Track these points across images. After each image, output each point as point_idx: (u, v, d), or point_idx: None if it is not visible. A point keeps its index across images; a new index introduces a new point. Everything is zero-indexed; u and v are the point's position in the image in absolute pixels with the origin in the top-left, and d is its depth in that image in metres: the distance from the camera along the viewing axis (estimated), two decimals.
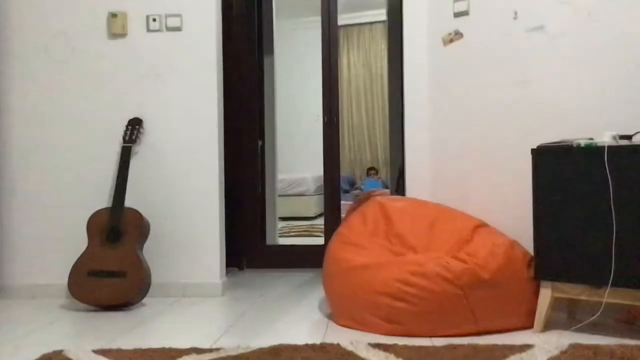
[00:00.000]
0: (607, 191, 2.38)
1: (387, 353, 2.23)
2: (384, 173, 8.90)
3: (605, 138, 2.46)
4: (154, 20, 3.52)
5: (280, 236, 5.51)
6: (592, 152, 2.44)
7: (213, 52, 3.52)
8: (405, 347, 2.32)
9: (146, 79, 3.54)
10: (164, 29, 3.53)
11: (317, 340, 2.48)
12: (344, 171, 8.95)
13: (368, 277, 2.69)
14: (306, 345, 2.34)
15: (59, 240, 3.55)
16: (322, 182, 4.62)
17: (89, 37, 3.56)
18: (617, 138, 2.44)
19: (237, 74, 4.40)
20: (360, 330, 2.65)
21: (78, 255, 3.26)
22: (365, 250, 2.85)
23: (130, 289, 3.14)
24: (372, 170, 9.02)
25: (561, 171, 2.50)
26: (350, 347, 2.29)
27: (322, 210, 4.62)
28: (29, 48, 3.59)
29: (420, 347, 2.31)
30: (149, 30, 3.53)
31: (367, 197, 3.28)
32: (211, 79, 3.52)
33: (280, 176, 5.38)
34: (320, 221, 5.68)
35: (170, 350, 2.34)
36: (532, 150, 2.59)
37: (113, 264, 3.18)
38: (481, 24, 3.15)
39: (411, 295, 2.55)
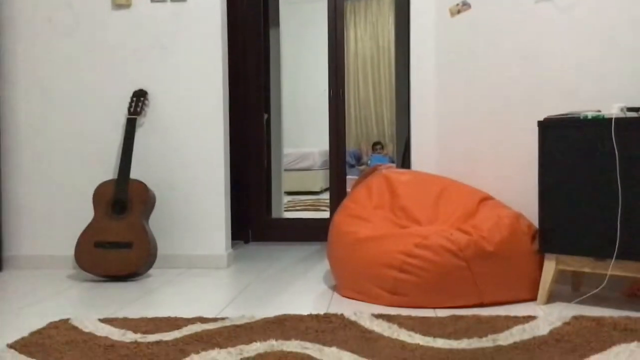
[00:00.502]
0: (613, 163, 2.37)
1: (391, 323, 2.24)
2: (391, 147, 8.88)
3: (613, 110, 2.43)
4: None
5: (286, 210, 5.53)
6: (599, 124, 2.41)
7: (218, 23, 3.50)
8: (409, 317, 2.33)
9: (151, 50, 3.52)
10: None
11: (321, 310, 2.49)
12: (350, 145, 8.94)
13: (372, 249, 2.70)
14: (310, 315, 2.36)
15: (64, 212, 3.57)
16: (328, 157, 4.61)
17: (93, 8, 3.54)
18: (625, 110, 2.41)
19: (243, 46, 4.38)
20: (364, 301, 2.67)
21: (84, 227, 3.28)
22: (370, 223, 2.85)
23: (137, 259, 3.16)
24: (378, 145, 9.00)
25: (568, 143, 2.48)
26: (353, 318, 2.30)
27: (328, 185, 4.62)
28: (33, 19, 3.57)
29: (423, 318, 2.32)
30: (153, 0, 3.50)
31: (373, 170, 3.27)
32: (216, 50, 3.50)
33: (286, 150, 5.38)
34: (326, 196, 5.69)
35: (175, 319, 2.36)
36: (539, 122, 2.57)
37: (119, 235, 3.20)
38: None
39: (415, 267, 2.56)
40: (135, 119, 3.44)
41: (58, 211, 3.58)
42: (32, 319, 2.45)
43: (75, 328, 2.23)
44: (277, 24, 4.88)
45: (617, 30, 2.73)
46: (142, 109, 3.47)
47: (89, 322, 2.30)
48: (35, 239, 3.59)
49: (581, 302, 2.58)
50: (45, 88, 3.58)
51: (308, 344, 2.01)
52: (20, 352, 1.98)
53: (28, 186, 3.59)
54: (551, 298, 2.62)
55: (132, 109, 3.45)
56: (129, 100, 3.50)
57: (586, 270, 2.50)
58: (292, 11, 6.68)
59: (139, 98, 3.47)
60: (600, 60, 2.77)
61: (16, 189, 3.60)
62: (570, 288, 2.82)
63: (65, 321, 2.32)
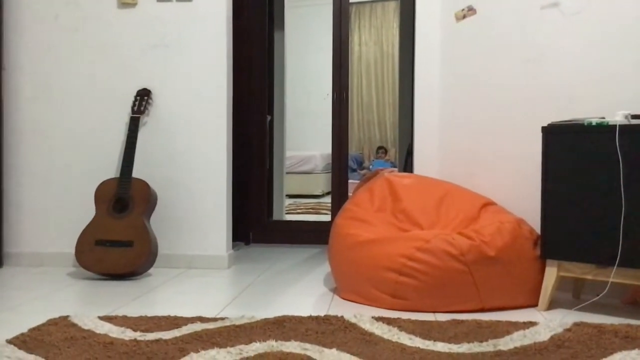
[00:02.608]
0: (617, 170, 2.36)
1: (391, 326, 2.24)
2: (393, 152, 8.88)
3: (617, 117, 2.43)
4: None
5: (287, 213, 5.52)
6: (603, 130, 2.41)
7: (223, 23, 3.50)
8: (409, 320, 2.32)
9: (155, 49, 3.52)
10: None
11: (321, 312, 2.49)
12: (353, 149, 8.93)
13: (373, 252, 2.69)
14: (310, 317, 2.35)
15: (66, 209, 3.56)
16: (330, 161, 4.61)
17: (99, 6, 3.55)
18: (630, 117, 2.41)
19: (247, 48, 4.38)
20: (365, 304, 2.66)
21: (85, 225, 3.27)
22: (372, 226, 2.85)
23: (137, 258, 3.16)
24: (381, 150, 9.00)
25: (571, 150, 2.48)
26: (353, 320, 2.30)
27: (330, 189, 4.61)
28: (39, 16, 3.58)
29: (423, 322, 2.31)
30: (159, 0, 3.51)
31: (375, 173, 3.27)
32: (221, 50, 3.50)
33: (288, 153, 5.37)
34: (328, 199, 5.68)
35: (175, 318, 2.35)
36: (543, 128, 2.57)
37: (120, 234, 3.19)
38: None
39: (416, 270, 2.56)
40: (138, 117, 3.44)
41: (59, 208, 3.57)
42: (31, 316, 2.44)
43: (74, 325, 2.23)
44: (282, 27, 4.89)
45: (621, 37, 2.73)
46: (145, 108, 3.47)
47: (89, 320, 2.29)
48: (36, 236, 3.59)
49: (582, 309, 2.57)
50: (49, 85, 3.58)
51: (308, 345, 2.01)
52: (19, 347, 1.98)
53: (30, 183, 3.59)
54: (552, 304, 2.61)
55: (135, 108, 3.45)
56: (132, 99, 3.51)
57: (588, 277, 2.49)
58: (297, 14, 6.69)
59: (143, 97, 3.48)
60: (604, 66, 2.77)
61: (18, 186, 3.60)
62: (571, 295, 2.81)
63: (65, 318, 2.32)
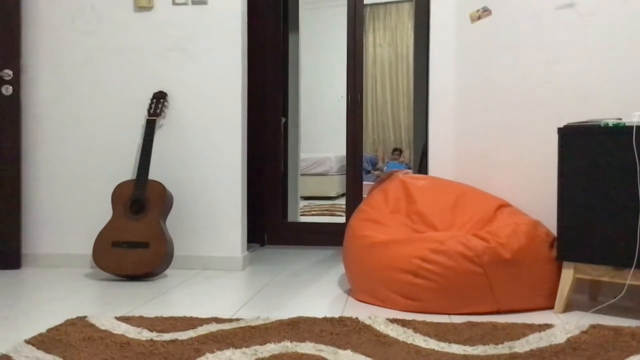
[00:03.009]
0: (634, 172, 2.34)
1: (405, 328, 2.24)
2: (408, 154, 8.86)
3: (634, 118, 2.41)
4: None
5: (301, 215, 5.53)
6: (619, 132, 2.39)
7: (238, 26, 3.52)
8: (424, 322, 2.32)
9: (171, 52, 3.55)
10: (190, 2, 3.53)
11: (335, 314, 2.49)
12: (367, 151, 8.93)
13: (388, 253, 2.69)
14: (325, 318, 2.36)
15: (83, 211, 3.60)
16: (344, 163, 4.61)
17: (115, 9, 3.58)
18: None
19: (262, 50, 4.40)
20: (379, 306, 2.66)
21: (102, 226, 3.30)
22: (386, 228, 2.85)
23: (153, 259, 3.18)
24: (396, 152, 8.98)
25: (588, 151, 2.47)
26: (368, 322, 2.30)
27: (344, 191, 4.61)
28: (56, 20, 3.62)
29: (438, 324, 2.31)
30: (174, 3, 3.54)
31: (389, 175, 3.27)
32: (236, 53, 3.52)
33: (303, 155, 5.38)
34: (342, 201, 5.68)
35: (191, 318, 2.37)
36: (559, 129, 2.55)
37: (136, 235, 3.22)
38: (510, 0, 3.10)
39: (431, 272, 2.55)
40: (154, 120, 3.47)
41: (76, 210, 3.61)
42: (49, 316, 2.47)
43: (92, 325, 2.25)
44: (297, 29, 4.90)
45: (637, 37, 2.70)
46: (161, 110, 3.50)
47: (106, 320, 2.32)
48: (53, 238, 3.63)
49: (599, 311, 2.55)
50: (67, 88, 3.62)
51: (322, 347, 2.01)
52: (38, 347, 2.00)
53: (47, 185, 3.64)
54: (569, 306, 2.59)
55: (151, 111, 3.48)
56: (148, 101, 3.54)
57: (605, 279, 2.47)
58: (311, 16, 6.70)
59: (159, 100, 3.51)
60: (620, 66, 2.75)
61: (36, 188, 3.64)
62: (588, 297, 2.79)
63: (82, 318, 2.34)
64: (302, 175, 5.28)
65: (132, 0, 3.57)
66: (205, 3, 3.52)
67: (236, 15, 3.52)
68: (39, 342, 2.06)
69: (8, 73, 3.52)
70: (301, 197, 5.36)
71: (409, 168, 7.61)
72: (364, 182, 4.60)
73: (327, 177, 7.81)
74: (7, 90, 3.52)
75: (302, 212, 5.87)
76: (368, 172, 8.38)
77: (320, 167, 7.81)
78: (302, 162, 5.34)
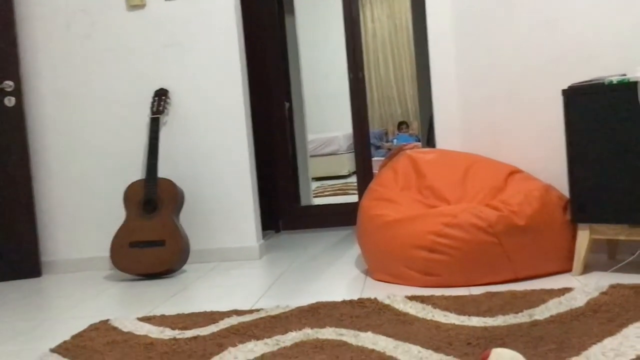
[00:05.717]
0: None
1: (424, 304, 2.24)
2: (416, 125, 8.81)
3: (638, 73, 2.37)
4: None
5: (315, 196, 5.54)
6: (624, 88, 2.36)
7: (232, 15, 3.50)
8: (443, 297, 2.32)
9: (168, 48, 3.54)
10: None
11: (354, 296, 2.50)
12: (376, 126, 8.88)
13: (402, 231, 2.69)
14: (344, 301, 2.37)
15: (97, 214, 3.63)
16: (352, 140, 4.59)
17: (108, 10, 3.57)
18: None
19: (259, 37, 4.37)
20: (397, 284, 2.67)
21: (117, 228, 3.33)
22: (398, 205, 2.84)
23: (171, 256, 3.21)
24: (403, 125, 8.93)
25: (593, 110, 2.43)
26: (387, 301, 2.30)
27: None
28: (51, 26, 3.62)
29: (457, 297, 2.31)
30: None
31: (398, 151, 3.25)
32: (233, 43, 3.50)
33: (310, 137, 5.37)
34: (355, 179, 5.66)
35: (211, 313, 2.39)
36: (563, 90, 2.52)
37: (152, 234, 3.24)
38: None
39: (446, 246, 2.55)
40: (158, 117, 3.47)
41: (90, 214, 3.64)
42: (72, 322, 2.51)
43: (115, 328, 2.28)
44: (292, 11, 4.86)
45: None
46: (164, 107, 3.50)
47: (128, 322, 2.34)
48: (70, 243, 3.67)
49: (618, 270, 2.54)
50: (69, 93, 3.63)
51: (343, 331, 2.03)
52: (64, 356, 2.03)
53: (59, 191, 3.66)
54: (587, 268, 2.58)
55: (154, 108, 3.48)
56: (151, 99, 3.54)
57: (621, 237, 2.46)
58: None
59: (161, 97, 3.50)
60: (623, 23, 2.70)
61: (48, 196, 3.67)
62: (606, 256, 2.77)
63: (105, 322, 2.37)
64: (312, 156, 5.28)
65: (123, 0, 3.55)
66: None
67: (230, 4, 3.49)
68: (64, 350, 2.09)
69: (9, 84, 3.53)
70: (313, 178, 5.37)
71: (419, 140, 7.57)
72: (375, 158, 4.59)
73: (337, 156, 7.79)
74: (10, 101, 3.54)
75: (316, 194, 5.87)
76: (377, 147, 8.35)
77: (330, 147, 7.79)
78: (310, 143, 5.33)
